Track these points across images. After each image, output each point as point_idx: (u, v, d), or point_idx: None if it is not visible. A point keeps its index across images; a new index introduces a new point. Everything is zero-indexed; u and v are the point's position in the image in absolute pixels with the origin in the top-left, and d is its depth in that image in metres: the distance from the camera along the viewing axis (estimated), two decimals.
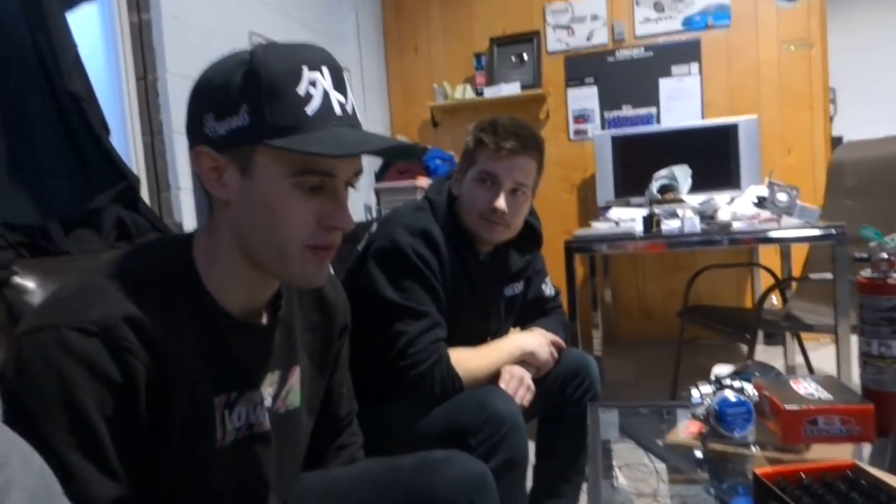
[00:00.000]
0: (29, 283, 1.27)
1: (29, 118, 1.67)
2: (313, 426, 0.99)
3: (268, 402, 0.86)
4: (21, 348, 0.68)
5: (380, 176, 3.54)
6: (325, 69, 0.74)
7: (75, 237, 1.60)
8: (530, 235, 1.54)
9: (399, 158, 0.81)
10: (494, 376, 1.40)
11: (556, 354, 1.51)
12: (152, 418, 0.72)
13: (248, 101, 0.71)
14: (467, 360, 1.35)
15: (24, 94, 1.66)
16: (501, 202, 1.39)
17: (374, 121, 3.81)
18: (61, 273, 1.34)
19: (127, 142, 2.16)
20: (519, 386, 1.38)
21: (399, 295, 1.30)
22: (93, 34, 2.10)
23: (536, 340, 1.49)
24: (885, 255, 1.15)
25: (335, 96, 0.75)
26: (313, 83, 0.73)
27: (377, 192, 3.45)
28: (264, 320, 0.86)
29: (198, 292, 0.78)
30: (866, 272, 1.18)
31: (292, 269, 0.77)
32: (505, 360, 1.42)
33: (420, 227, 1.37)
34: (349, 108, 0.76)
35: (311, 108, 0.72)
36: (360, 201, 3.52)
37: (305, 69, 0.73)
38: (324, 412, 1.02)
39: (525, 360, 1.46)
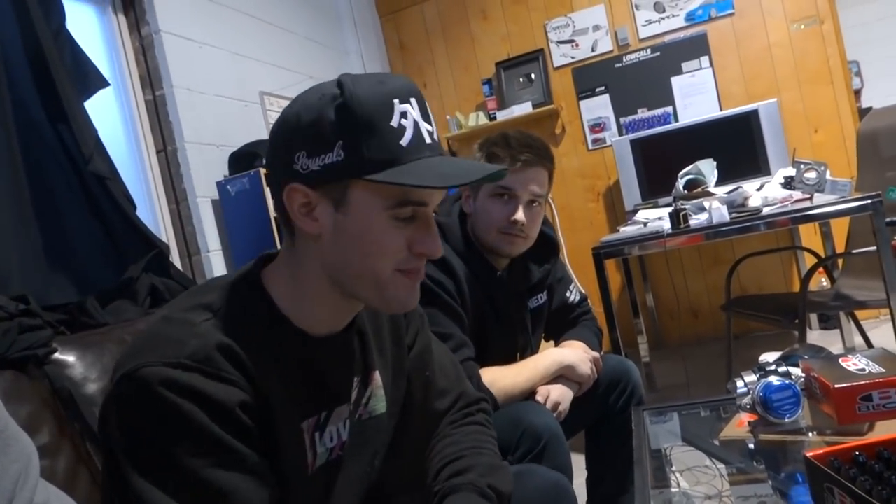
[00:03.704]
0: (69, 358, 1.31)
1: (58, 203, 1.76)
2: (415, 434, 0.98)
3: (351, 410, 0.86)
4: (122, 392, 0.67)
5: None
6: (413, 100, 0.75)
7: (112, 309, 1.66)
8: (545, 244, 1.53)
9: (488, 181, 0.87)
10: (531, 394, 1.37)
11: (596, 371, 1.47)
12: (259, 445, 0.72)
13: (343, 137, 0.72)
14: (501, 379, 1.33)
15: (51, 182, 1.76)
16: (521, 215, 1.39)
17: None
18: (101, 345, 1.38)
19: (154, 212, 2.24)
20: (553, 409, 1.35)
21: None
22: (111, 115, 2.20)
23: (575, 354, 1.44)
24: None
25: (424, 126, 0.75)
26: (404, 115, 0.74)
27: None
28: (339, 333, 0.85)
29: (276, 318, 0.78)
30: None
31: (388, 295, 0.78)
32: (541, 375, 1.39)
33: None
34: (436, 137, 0.78)
35: (405, 140, 0.73)
36: None
37: (396, 102, 0.73)
38: (421, 409, 0.99)
39: (563, 376, 1.42)
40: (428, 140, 0.75)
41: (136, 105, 2.28)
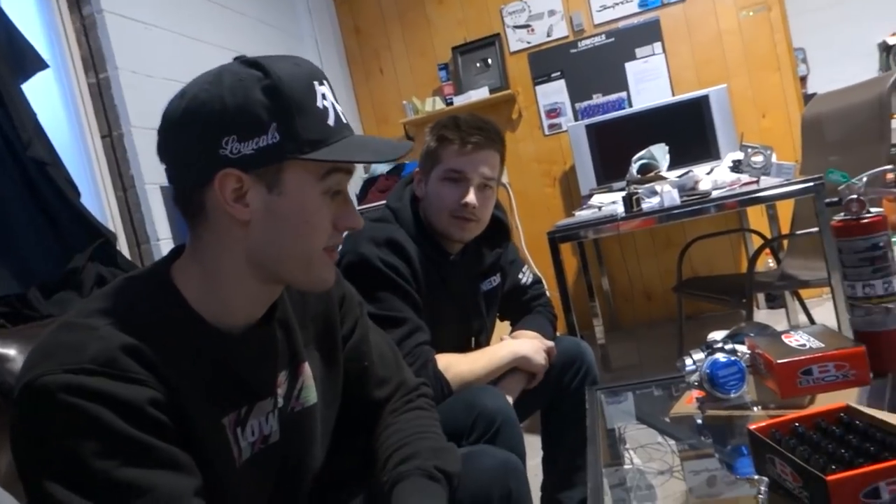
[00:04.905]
0: (10, 352, 1.25)
1: None
2: (356, 424, 0.99)
3: (280, 403, 0.85)
4: (24, 404, 0.66)
5: (361, 197, 3.55)
6: (325, 82, 0.78)
7: (56, 300, 1.60)
8: (496, 227, 1.54)
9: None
10: (488, 382, 1.38)
11: (549, 360, 1.49)
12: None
13: (278, 119, 0.72)
14: (456, 364, 1.34)
15: None
16: (472, 197, 1.39)
17: None
18: None
19: (100, 199, 2.17)
20: None
21: (374, 306, 1.29)
22: (52, 99, 2.12)
23: (530, 345, 1.46)
24: (854, 196, 1.14)
25: (338, 107, 0.79)
26: (324, 96, 0.76)
27: (361, 213, 3.46)
28: (258, 324, 0.84)
29: (187, 316, 0.77)
30: (840, 216, 1.17)
31: (314, 273, 0.80)
32: (497, 365, 1.40)
33: (385, 236, 1.36)
34: (344, 118, 0.80)
35: (331, 120, 0.76)
36: None
37: (316, 84, 0.76)
38: (360, 398, 1.00)
39: (518, 367, 1.44)
40: (344, 120, 0.79)
41: (78, 88, 2.19)
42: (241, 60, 0.76)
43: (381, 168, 3.67)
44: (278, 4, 3.49)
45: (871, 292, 1.12)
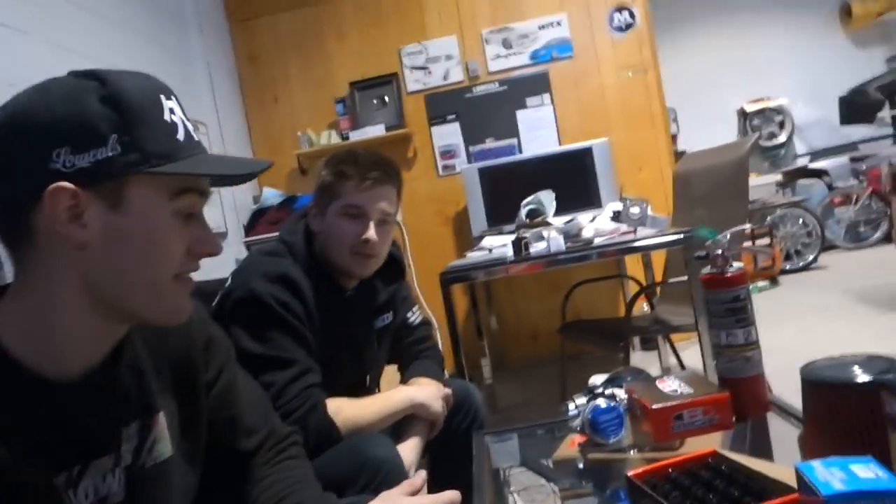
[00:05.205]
0: None
1: None
2: (221, 476, 0.92)
3: (128, 460, 0.77)
4: None
5: (249, 229, 3.43)
6: (173, 98, 0.74)
7: None
8: (392, 264, 1.53)
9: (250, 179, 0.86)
10: (382, 429, 1.35)
11: (447, 407, 1.48)
12: None
13: (119, 130, 0.67)
14: (347, 409, 1.30)
15: None
16: (372, 233, 1.38)
17: None
18: None
19: None
20: None
21: (262, 346, 1.23)
22: None
23: (427, 392, 1.44)
24: (720, 252, 1.24)
25: (189, 125, 0.75)
26: (172, 111, 0.72)
27: (248, 246, 3.34)
28: (100, 371, 0.75)
29: (2, 365, 0.67)
30: (707, 269, 1.26)
31: (163, 304, 0.73)
32: (390, 410, 1.37)
33: (278, 272, 1.31)
34: (196, 136, 0.76)
35: (180, 136, 0.72)
36: (231, 256, 3.38)
37: (163, 97, 0.72)
38: (226, 449, 0.93)
39: (416, 415, 1.41)
40: (195, 138, 0.75)
41: None
42: (74, 73, 0.71)
43: (272, 200, 3.57)
44: (170, 24, 3.35)
45: (734, 341, 1.21)
